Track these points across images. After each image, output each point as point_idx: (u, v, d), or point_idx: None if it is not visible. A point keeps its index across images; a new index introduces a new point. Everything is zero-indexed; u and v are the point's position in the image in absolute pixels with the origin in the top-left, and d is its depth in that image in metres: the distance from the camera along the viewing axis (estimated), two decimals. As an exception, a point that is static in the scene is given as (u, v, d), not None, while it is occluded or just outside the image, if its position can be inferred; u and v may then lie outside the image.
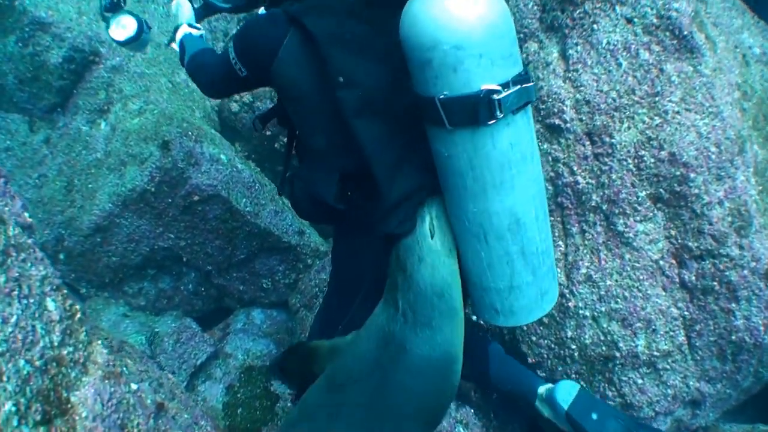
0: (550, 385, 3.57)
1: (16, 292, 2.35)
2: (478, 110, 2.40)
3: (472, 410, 4.21)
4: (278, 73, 2.77)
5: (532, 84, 2.52)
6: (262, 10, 3.32)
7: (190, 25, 3.73)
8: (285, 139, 6.09)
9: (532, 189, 2.66)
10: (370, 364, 2.86)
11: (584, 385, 3.91)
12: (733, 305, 3.68)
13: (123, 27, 3.75)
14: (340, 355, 3.00)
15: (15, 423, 2.16)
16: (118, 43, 3.74)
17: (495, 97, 2.37)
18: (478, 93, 2.37)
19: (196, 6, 3.84)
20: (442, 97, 2.42)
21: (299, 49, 2.71)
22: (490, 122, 2.42)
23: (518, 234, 2.67)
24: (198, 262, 5.52)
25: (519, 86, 2.45)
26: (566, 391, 3.45)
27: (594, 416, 3.34)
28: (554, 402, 3.45)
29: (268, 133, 6.42)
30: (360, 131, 2.68)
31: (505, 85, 2.41)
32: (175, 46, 3.72)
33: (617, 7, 3.83)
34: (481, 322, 4.24)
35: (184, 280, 5.69)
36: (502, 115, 2.40)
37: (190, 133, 5.14)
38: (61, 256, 5.29)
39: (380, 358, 2.82)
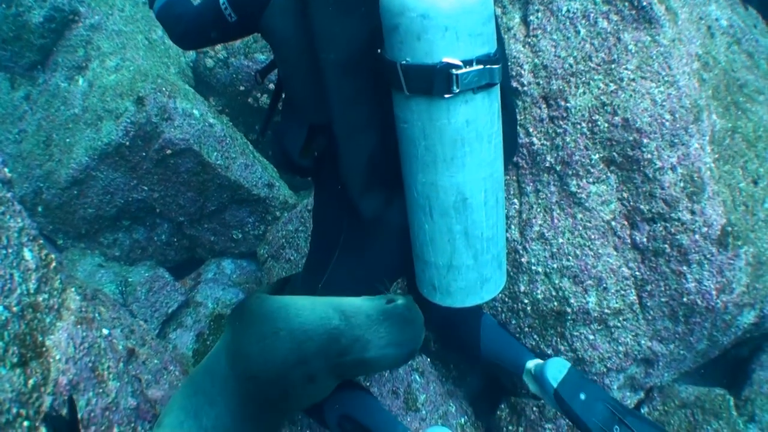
0: (539, 361, 3.45)
1: (-6, 243, 2.47)
2: (434, 81, 2.44)
3: (429, 359, 4.30)
4: (268, 21, 2.81)
5: (497, 66, 2.55)
6: None
7: None
8: (259, 94, 6.17)
9: (484, 171, 2.67)
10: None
11: (575, 366, 3.95)
12: (685, 268, 3.75)
13: None
14: None
15: (-7, 365, 2.29)
16: None
17: (454, 71, 2.42)
18: (436, 64, 2.42)
19: None
20: (404, 63, 2.47)
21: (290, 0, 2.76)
22: (446, 95, 2.46)
23: (463, 214, 2.69)
24: (171, 214, 5.63)
25: (483, 66, 2.48)
26: (557, 369, 3.29)
27: (582, 396, 3.21)
28: (543, 379, 3.31)
29: (242, 88, 6.49)
30: (332, 87, 2.75)
31: (468, 63, 2.44)
32: None
33: (579, -24, 3.90)
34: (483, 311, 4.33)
35: (158, 230, 5.79)
36: (458, 90, 2.45)
37: (164, 89, 5.21)
38: (40, 209, 5.40)
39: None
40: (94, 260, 5.57)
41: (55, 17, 5.84)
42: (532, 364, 3.41)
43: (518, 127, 3.98)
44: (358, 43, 2.75)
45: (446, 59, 2.42)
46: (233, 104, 6.70)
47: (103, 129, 5.12)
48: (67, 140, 5.36)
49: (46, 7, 5.81)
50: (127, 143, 5.08)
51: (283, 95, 3.15)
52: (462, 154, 2.58)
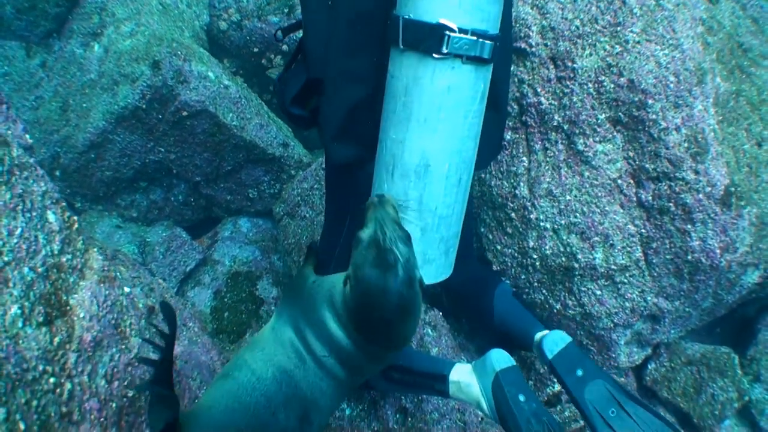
0: (546, 332, 3.40)
1: (20, 207, 2.56)
2: (427, 38, 2.53)
3: (441, 313, 4.34)
4: None
5: (490, 43, 2.61)
6: None
7: None
8: (273, 55, 6.22)
9: (454, 145, 2.72)
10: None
11: (576, 341, 3.99)
12: (689, 226, 3.83)
13: None
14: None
15: (20, 324, 2.39)
16: None
17: (447, 33, 2.51)
18: (433, 23, 2.52)
19: None
20: (405, 17, 2.57)
21: None
22: (434, 54, 2.55)
23: (423, 180, 2.73)
24: (187, 174, 5.70)
25: (476, 38, 2.56)
26: (553, 342, 3.28)
27: (579, 373, 3.16)
28: (541, 350, 3.33)
29: (255, 50, 6.56)
30: (339, 36, 2.88)
31: (464, 31, 2.53)
32: None
33: (585, -60, 3.94)
34: (494, 267, 4.43)
35: (174, 191, 5.87)
36: (446, 51, 2.53)
37: (179, 52, 5.26)
38: (57, 173, 5.45)
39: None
40: (112, 222, 5.65)
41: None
42: (539, 335, 3.42)
43: (527, 87, 4.04)
44: (377, 2, 2.84)
45: (443, 20, 2.51)
46: (247, 66, 6.77)
47: (120, 93, 5.17)
48: (84, 105, 5.41)
49: (60, -24, 5.88)
50: (144, 106, 5.14)
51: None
52: (436, 118, 2.64)
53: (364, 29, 2.88)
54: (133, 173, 5.55)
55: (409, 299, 2.47)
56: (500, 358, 2.96)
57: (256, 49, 6.58)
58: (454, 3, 2.52)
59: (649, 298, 4.08)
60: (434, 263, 2.92)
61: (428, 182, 2.73)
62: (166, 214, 5.92)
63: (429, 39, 2.54)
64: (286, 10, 6.41)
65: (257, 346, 2.80)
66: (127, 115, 5.17)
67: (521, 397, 2.83)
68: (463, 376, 3.06)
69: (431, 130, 2.66)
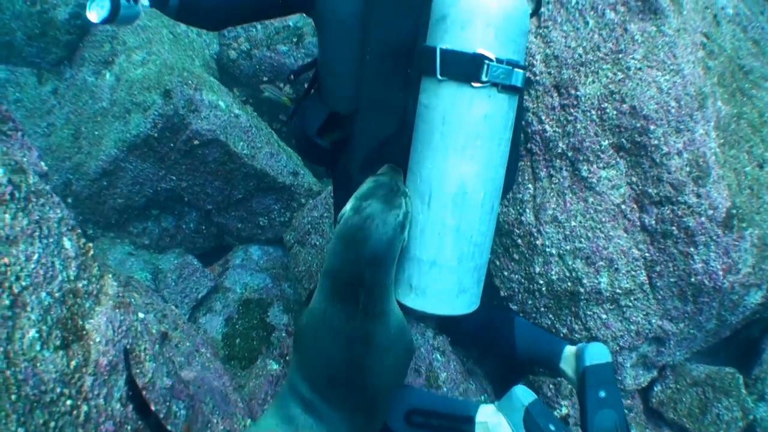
0: (584, 344, 3.36)
1: (37, 233, 2.61)
2: (467, 67, 2.63)
3: (449, 339, 4.38)
4: (327, 2, 3.08)
5: (523, 72, 2.73)
6: None
7: None
8: (282, 84, 6.30)
9: (489, 172, 2.79)
10: (340, 367, 2.84)
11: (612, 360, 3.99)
12: (692, 249, 3.86)
13: (99, 7, 3.41)
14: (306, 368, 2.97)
15: (38, 348, 2.44)
16: (95, 24, 3.39)
17: (486, 62, 2.60)
18: (472, 53, 2.62)
19: None
20: (443, 48, 2.66)
21: None
22: (474, 83, 2.64)
23: (460, 208, 2.77)
24: (198, 202, 5.75)
25: (511, 67, 2.66)
26: (598, 354, 3.23)
27: (602, 394, 3.12)
28: (582, 355, 3.29)
29: (265, 79, 6.63)
30: (370, 69, 2.98)
31: (500, 61, 2.63)
32: None
33: (587, -31, 4.01)
34: (501, 293, 4.46)
35: (186, 219, 5.92)
36: (486, 80, 2.62)
37: (190, 81, 5.32)
38: (69, 200, 5.49)
39: (348, 358, 2.81)
40: (124, 249, 5.69)
41: (81, 14, 5.94)
42: (572, 348, 3.42)
43: (531, 115, 4.11)
44: (405, 33, 2.95)
45: (481, 50, 2.61)
46: (257, 94, 6.83)
47: (132, 121, 5.23)
48: (96, 133, 5.47)
49: (71, 3, 5.98)
50: (156, 135, 5.19)
51: (314, 90, 3.32)
52: (474, 146, 2.71)
53: (393, 63, 2.97)
54: (145, 201, 5.61)
55: (397, 244, 2.65)
56: (525, 393, 3.00)
57: (265, 78, 6.65)
58: (490, 35, 2.62)
59: (654, 321, 4.10)
60: (468, 292, 2.95)
61: (465, 210, 2.78)
62: (178, 242, 5.98)
63: (468, 68, 2.63)
64: (294, 40, 6.49)
65: (278, 396, 2.89)
66: (139, 144, 5.23)
67: (552, 427, 2.88)
68: (489, 416, 3.06)
69: (469, 157, 2.73)
